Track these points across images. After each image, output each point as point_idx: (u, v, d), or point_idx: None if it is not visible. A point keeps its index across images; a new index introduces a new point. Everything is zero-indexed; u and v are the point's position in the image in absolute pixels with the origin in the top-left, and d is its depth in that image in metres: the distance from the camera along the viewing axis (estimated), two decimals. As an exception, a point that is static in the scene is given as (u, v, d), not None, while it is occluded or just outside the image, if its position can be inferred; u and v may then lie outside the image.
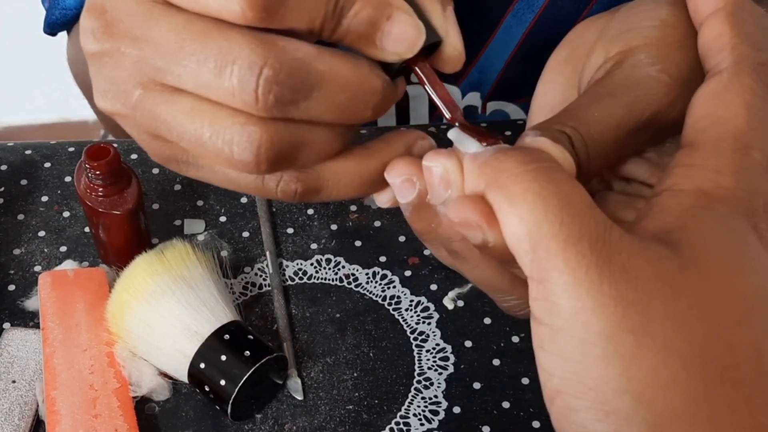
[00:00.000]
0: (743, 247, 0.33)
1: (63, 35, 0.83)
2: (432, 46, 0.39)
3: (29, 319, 0.64)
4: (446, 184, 0.36)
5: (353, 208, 0.71)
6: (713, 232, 0.33)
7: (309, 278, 0.67)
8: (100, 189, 0.61)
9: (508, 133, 0.75)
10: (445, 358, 0.63)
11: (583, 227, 0.32)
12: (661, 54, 0.41)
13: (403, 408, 0.61)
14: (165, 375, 0.60)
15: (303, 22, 0.36)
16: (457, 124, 0.39)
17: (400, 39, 0.37)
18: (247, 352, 0.58)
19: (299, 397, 0.61)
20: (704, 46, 0.39)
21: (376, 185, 0.40)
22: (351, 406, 0.61)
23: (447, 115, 0.39)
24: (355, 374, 0.62)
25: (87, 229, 0.69)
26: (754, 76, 0.36)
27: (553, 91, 0.46)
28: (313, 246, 0.69)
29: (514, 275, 0.39)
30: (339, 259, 0.68)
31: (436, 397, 0.61)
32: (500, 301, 0.42)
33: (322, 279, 0.67)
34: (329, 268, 0.68)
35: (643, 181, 0.42)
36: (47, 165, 0.73)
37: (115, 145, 0.63)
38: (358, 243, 0.69)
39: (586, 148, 0.39)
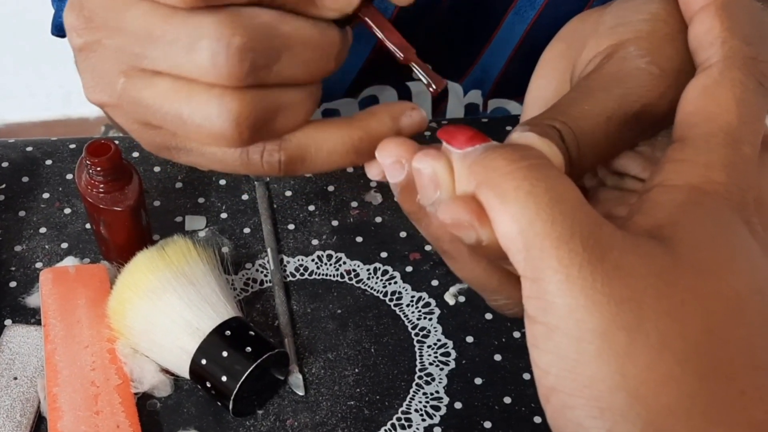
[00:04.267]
0: (735, 242, 0.33)
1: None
2: None
3: (30, 316, 0.64)
4: (435, 185, 0.36)
5: (354, 204, 0.71)
6: (705, 227, 0.33)
7: (310, 274, 0.67)
8: (101, 185, 0.61)
9: (508, 128, 0.75)
10: (447, 354, 0.63)
11: (575, 225, 0.32)
12: (650, 47, 0.41)
13: (404, 404, 0.61)
14: (166, 371, 0.60)
15: None
16: (412, 64, 0.39)
17: None
18: (249, 348, 0.58)
19: (300, 393, 0.61)
20: (694, 41, 0.38)
21: (361, 154, 0.40)
22: (352, 402, 0.61)
23: (399, 56, 0.40)
24: (357, 370, 0.62)
25: (88, 226, 0.69)
26: (745, 71, 0.36)
27: (547, 85, 0.45)
28: (314, 242, 0.69)
29: (503, 275, 0.39)
30: (340, 255, 0.68)
31: (437, 392, 0.61)
32: (490, 300, 0.42)
33: (323, 275, 0.67)
34: (330, 264, 0.68)
35: (636, 175, 0.42)
36: (48, 162, 0.73)
37: (117, 141, 0.63)
38: (359, 239, 0.69)
39: (576, 142, 0.38)
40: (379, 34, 0.40)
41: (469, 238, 0.34)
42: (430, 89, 0.37)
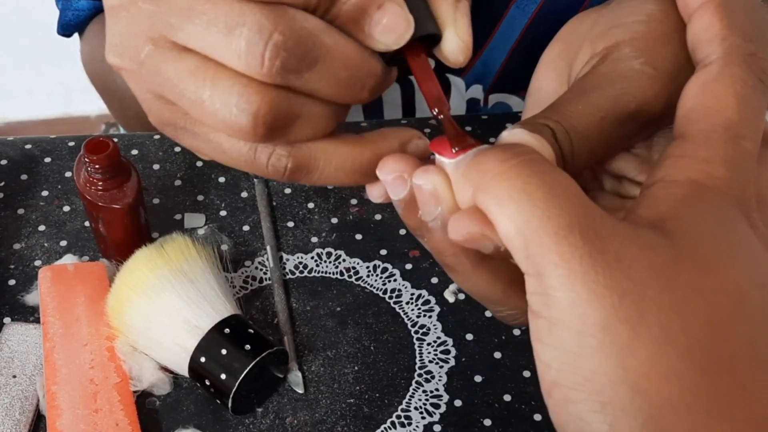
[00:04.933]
0: (736, 237, 0.33)
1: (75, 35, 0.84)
2: (434, 38, 0.39)
3: (29, 314, 0.64)
4: (436, 200, 0.36)
5: (354, 201, 0.71)
6: (707, 221, 0.33)
7: (309, 272, 0.67)
8: (100, 183, 0.61)
9: (508, 125, 0.74)
10: (446, 351, 0.63)
11: (573, 218, 0.32)
12: (645, 48, 0.41)
13: (404, 401, 0.61)
14: (165, 369, 0.60)
15: (299, 0, 0.36)
16: (440, 118, 0.39)
17: (388, 29, 0.37)
18: (248, 346, 0.58)
19: (300, 390, 0.61)
20: (694, 38, 0.38)
21: (366, 175, 0.40)
22: (352, 400, 0.61)
23: (434, 110, 0.39)
24: (356, 368, 0.62)
25: (87, 224, 0.68)
26: (744, 67, 0.36)
27: (546, 86, 0.46)
28: (314, 239, 0.69)
29: (506, 287, 0.39)
30: (339, 252, 0.68)
31: (437, 390, 0.61)
32: (494, 312, 0.42)
33: (322, 272, 0.67)
34: (330, 262, 0.67)
35: (633, 178, 0.42)
36: (47, 160, 0.73)
37: (115, 139, 0.63)
38: (358, 236, 0.69)
39: (570, 140, 0.38)
40: (420, 81, 0.39)
41: (488, 248, 0.34)
42: (453, 150, 0.37)
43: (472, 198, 0.34)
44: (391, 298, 0.66)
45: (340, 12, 0.37)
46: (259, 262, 0.67)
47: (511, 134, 0.38)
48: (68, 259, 0.66)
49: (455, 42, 0.40)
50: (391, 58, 0.39)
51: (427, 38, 0.39)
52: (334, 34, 0.37)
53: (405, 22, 0.38)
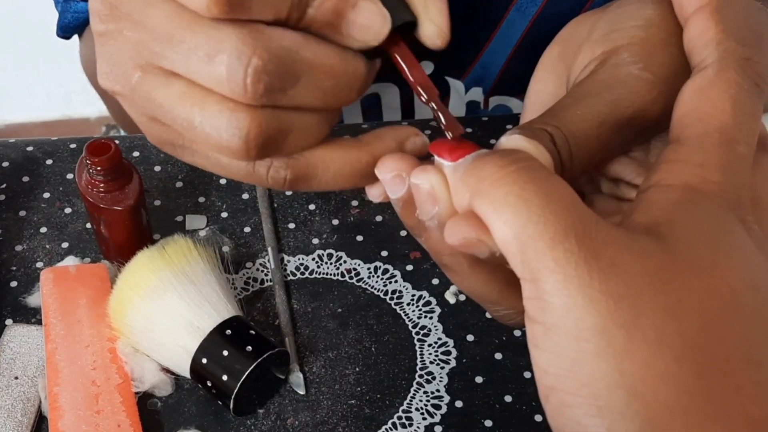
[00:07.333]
0: (731, 240, 0.33)
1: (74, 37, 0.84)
2: (411, 24, 0.39)
3: (31, 316, 0.64)
4: (433, 200, 0.36)
5: (355, 203, 0.71)
6: (701, 225, 0.33)
7: (310, 273, 0.67)
8: (102, 185, 0.61)
9: (508, 126, 0.75)
10: (447, 353, 0.63)
11: (568, 223, 0.32)
12: (644, 53, 0.41)
13: (405, 402, 0.61)
14: (167, 370, 0.60)
15: (269, 14, 0.36)
16: (431, 105, 0.39)
17: (365, 28, 0.38)
18: (249, 347, 0.58)
19: (301, 391, 0.61)
20: (690, 42, 0.39)
21: (366, 177, 0.40)
22: (353, 401, 0.61)
23: (423, 97, 0.39)
24: (357, 369, 0.62)
25: (89, 226, 0.69)
26: (739, 72, 0.36)
27: (545, 88, 0.46)
28: (315, 241, 0.69)
29: (503, 287, 0.40)
30: (340, 253, 0.68)
31: (438, 391, 0.61)
32: (491, 312, 0.42)
33: (323, 274, 0.67)
34: (331, 263, 0.68)
35: (630, 181, 0.43)
36: (49, 162, 0.73)
37: (117, 141, 0.63)
38: (359, 238, 0.69)
39: (568, 146, 0.39)
40: (405, 71, 0.39)
41: (483, 254, 0.35)
42: (447, 134, 0.37)
43: (469, 202, 0.34)
44: (392, 299, 0.66)
45: (315, 18, 0.37)
46: (261, 264, 0.67)
47: (509, 140, 0.38)
48: (70, 261, 0.66)
49: (430, 27, 0.40)
50: (373, 51, 0.39)
51: (405, 27, 0.39)
52: (313, 46, 0.37)
53: (381, 18, 0.38)
